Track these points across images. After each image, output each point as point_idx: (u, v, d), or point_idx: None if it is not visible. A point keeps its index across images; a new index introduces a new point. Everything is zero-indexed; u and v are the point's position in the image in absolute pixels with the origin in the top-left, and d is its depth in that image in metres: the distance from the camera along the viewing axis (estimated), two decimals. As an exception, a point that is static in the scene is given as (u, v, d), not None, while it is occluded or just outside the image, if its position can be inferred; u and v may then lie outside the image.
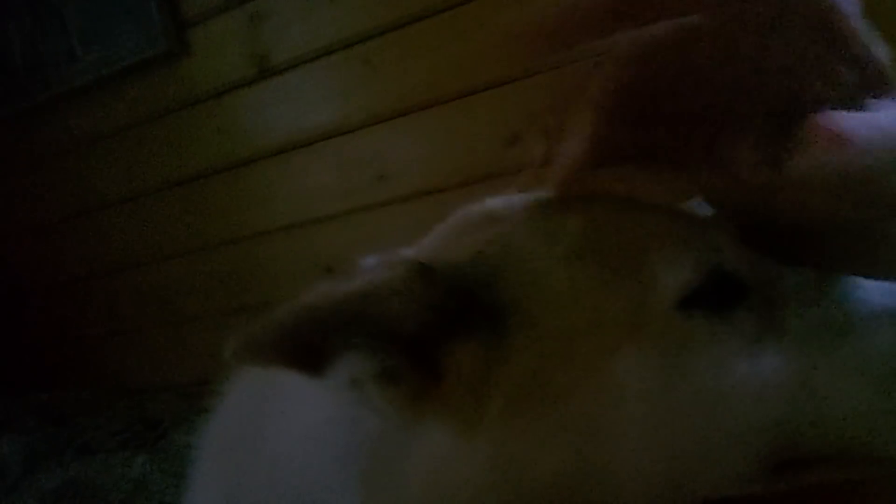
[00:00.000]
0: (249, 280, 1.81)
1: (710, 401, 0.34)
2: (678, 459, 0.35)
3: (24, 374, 2.00)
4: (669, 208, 0.40)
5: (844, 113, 0.34)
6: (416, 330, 0.36)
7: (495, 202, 0.45)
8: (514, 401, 0.35)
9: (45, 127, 1.97)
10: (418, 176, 1.55)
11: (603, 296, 0.36)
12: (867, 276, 0.37)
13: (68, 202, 2.00)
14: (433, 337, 0.36)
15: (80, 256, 2.03)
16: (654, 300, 0.35)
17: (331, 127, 1.64)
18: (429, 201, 1.52)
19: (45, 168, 2.02)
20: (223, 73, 1.73)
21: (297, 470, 0.41)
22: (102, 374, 1.99)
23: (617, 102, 0.36)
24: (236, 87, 1.72)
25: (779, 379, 0.35)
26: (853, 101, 0.35)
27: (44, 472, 1.36)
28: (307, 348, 0.35)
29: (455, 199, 0.46)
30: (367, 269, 0.38)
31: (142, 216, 1.91)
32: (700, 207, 0.41)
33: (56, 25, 1.86)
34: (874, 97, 0.35)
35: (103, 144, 1.91)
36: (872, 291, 0.36)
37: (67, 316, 2.08)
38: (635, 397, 0.34)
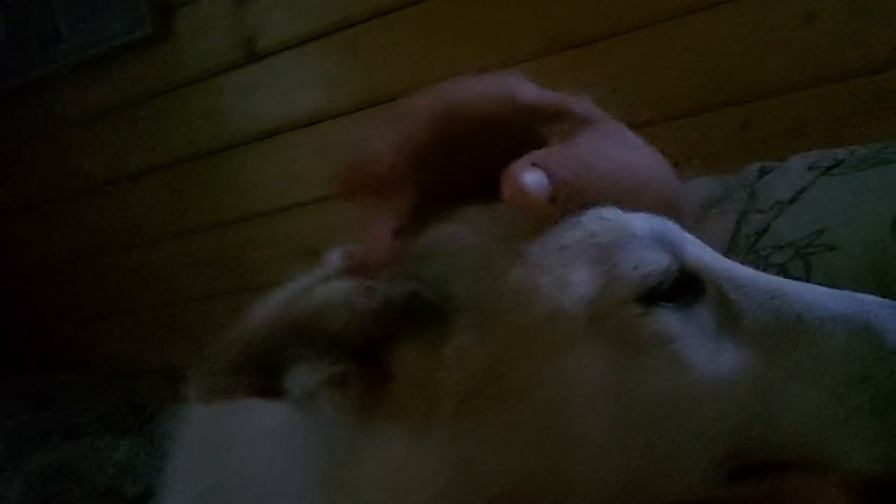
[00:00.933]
0: (235, 263, 1.80)
1: (667, 399, 0.33)
2: (635, 460, 0.34)
3: (9, 356, 1.99)
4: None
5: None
6: (361, 338, 0.35)
7: None
8: (465, 400, 0.34)
9: (29, 108, 1.96)
10: (404, 162, 1.54)
11: (558, 290, 0.34)
12: None
13: (53, 184, 1.99)
14: (379, 340, 0.35)
15: (65, 238, 2.02)
16: (611, 295, 0.34)
17: (317, 112, 1.63)
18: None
19: (29, 149, 2.00)
20: (209, 57, 1.72)
21: (261, 474, 0.41)
22: (88, 357, 1.98)
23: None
24: (222, 70, 1.71)
25: (734, 379, 0.34)
26: None
27: (29, 455, 1.36)
28: (263, 376, 0.34)
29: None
30: (309, 285, 0.36)
31: (127, 199, 1.90)
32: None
33: (41, 6, 1.84)
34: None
35: (88, 126, 1.90)
36: (825, 296, 0.36)
37: (53, 298, 2.07)
38: (591, 394, 0.33)
